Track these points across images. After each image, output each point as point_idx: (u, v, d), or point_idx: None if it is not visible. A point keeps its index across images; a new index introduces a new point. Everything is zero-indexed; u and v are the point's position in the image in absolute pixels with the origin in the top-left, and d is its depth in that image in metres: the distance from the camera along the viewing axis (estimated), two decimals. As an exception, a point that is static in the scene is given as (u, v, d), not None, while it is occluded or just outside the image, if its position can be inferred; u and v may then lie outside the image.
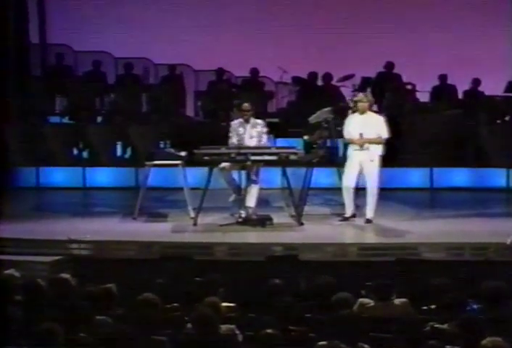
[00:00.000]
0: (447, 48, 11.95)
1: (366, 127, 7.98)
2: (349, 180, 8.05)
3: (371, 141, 7.98)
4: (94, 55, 12.17)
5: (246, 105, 8.24)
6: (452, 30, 12.01)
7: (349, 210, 8.15)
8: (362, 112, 8.05)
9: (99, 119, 11.63)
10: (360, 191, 8.16)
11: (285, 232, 7.85)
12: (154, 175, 8.72)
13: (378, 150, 8.03)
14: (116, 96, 11.84)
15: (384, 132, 8.03)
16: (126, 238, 7.59)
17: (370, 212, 8.07)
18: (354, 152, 8.03)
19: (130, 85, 11.73)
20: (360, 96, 8.24)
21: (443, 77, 11.53)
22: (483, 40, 11.80)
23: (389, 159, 10.63)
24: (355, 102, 8.13)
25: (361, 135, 7.97)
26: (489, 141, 10.53)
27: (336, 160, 8.62)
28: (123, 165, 10.69)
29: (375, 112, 8.32)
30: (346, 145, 8.26)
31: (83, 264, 6.94)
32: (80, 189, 10.49)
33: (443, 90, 11.48)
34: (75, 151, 11.11)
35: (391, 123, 8.35)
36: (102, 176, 10.65)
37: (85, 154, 11.05)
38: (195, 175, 9.12)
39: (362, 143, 7.94)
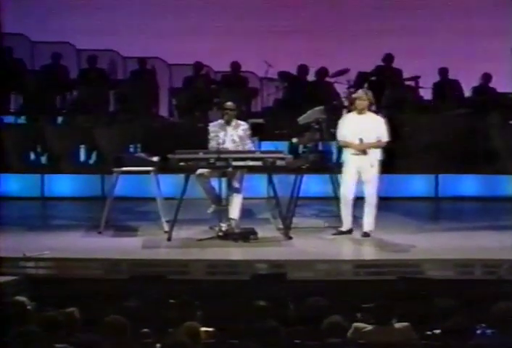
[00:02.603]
0: (453, 40, 12.03)
1: (364, 129, 8.00)
2: (348, 189, 8.06)
3: (371, 146, 8.01)
4: (54, 46, 12.15)
5: (229, 104, 8.28)
6: (459, 20, 12.10)
7: (346, 223, 8.17)
8: (360, 112, 8.06)
9: (60, 119, 11.61)
10: (356, 200, 8.18)
11: (271, 247, 7.86)
12: (123, 183, 8.71)
13: (377, 154, 8.06)
14: (79, 93, 11.83)
15: (384, 135, 8.05)
16: (91, 256, 7.57)
17: (368, 224, 8.10)
18: (350, 157, 8.05)
19: (95, 80, 11.72)
20: (360, 92, 8.22)
21: (443, 72, 11.56)
22: (494, 31, 11.89)
23: (388, 165, 10.73)
24: (354, 99, 8.14)
25: (361, 140, 7.98)
26: (502, 145, 10.60)
27: (328, 166, 8.64)
28: (87, 172, 10.67)
29: (374, 112, 8.34)
30: (340, 149, 8.28)
31: (41, 285, 6.92)
32: (38, 199, 10.47)
33: (444, 86, 11.55)
34: (32, 156, 11.07)
35: (391, 124, 8.39)
36: (63, 184, 10.63)
37: (43, 160, 11.01)
38: (169, 183, 9.13)
39: (363, 149, 7.96)
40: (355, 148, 7.99)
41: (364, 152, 7.96)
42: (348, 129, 8.06)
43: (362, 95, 8.11)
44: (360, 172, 8.03)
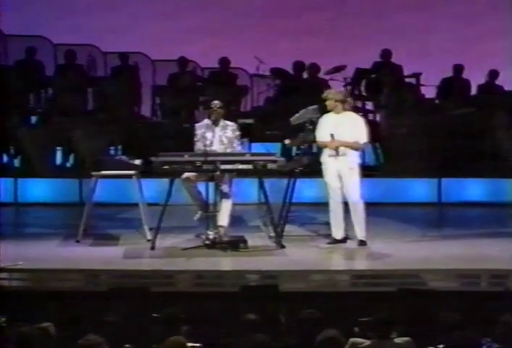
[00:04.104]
0: (457, 35, 12.08)
1: (340, 128, 7.99)
2: (336, 193, 8.07)
3: (347, 145, 8.01)
4: (28, 40, 12.14)
5: (216, 102, 8.29)
6: (463, 15, 12.15)
7: (338, 231, 8.17)
8: (337, 112, 8.08)
9: (34, 119, 11.60)
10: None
11: (262, 257, 7.87)
12: (103, 187, 8.72)
13: (355, 157, 8.07)
14: (55, 90, 11.83)
15: (362, 136, 8.06)
16: (68, 266, 7.56)
17: (360, 231, 8.08)
18: (328, 159, 8.06)
19: (72, 77, 11.72)
20: (325, 92, 8.26)
21: (458, 69, 11.56)
22: (501, 26, 11.94)
23: (388, 168, 10.76)
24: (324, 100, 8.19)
25: (332, 136, 7.98)
26: (509, 146, 10.63)
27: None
28: (64, 176, 10.68)
29: (367, 110, 8.36)
30: (320, 151, 8.26)
31: (14, 298, 6.90)
32: (11, 205, 10.45)
33: (454, 84, 11.57)
34: (5, 159, 11.07)
35: (391, 124, 8.41)
36: (38, 189, 10.62)
37: (16, 162, 11.02)
38: (152, 187, 9.14)
39: (336, 147, 7.96)
40: (328, 146, 7.99)
41: (337, 151, 7.94)
42: (324, 129, 8.08)
43: (326, 95, 8.16)
44: (341, 176, 8.04)
